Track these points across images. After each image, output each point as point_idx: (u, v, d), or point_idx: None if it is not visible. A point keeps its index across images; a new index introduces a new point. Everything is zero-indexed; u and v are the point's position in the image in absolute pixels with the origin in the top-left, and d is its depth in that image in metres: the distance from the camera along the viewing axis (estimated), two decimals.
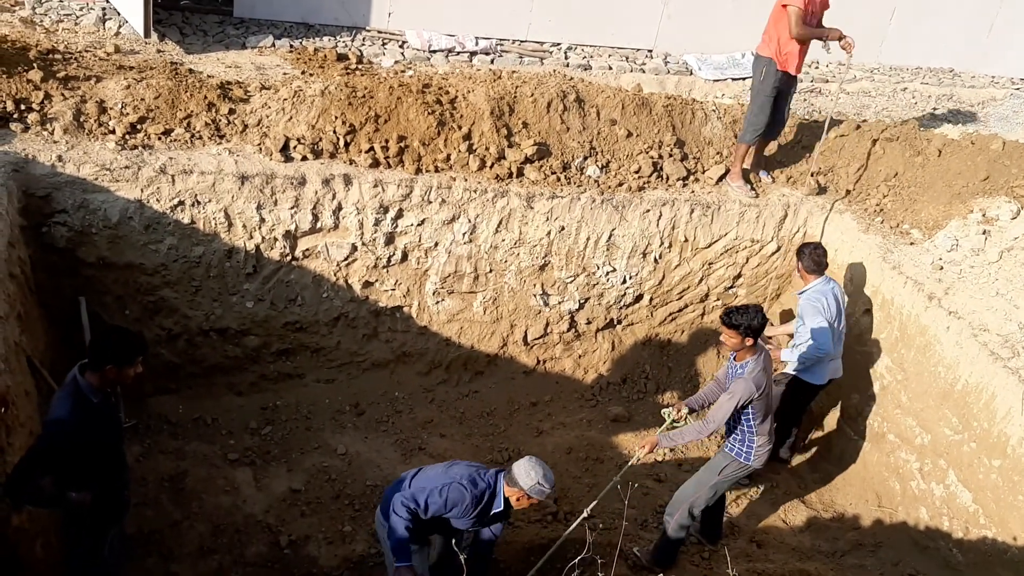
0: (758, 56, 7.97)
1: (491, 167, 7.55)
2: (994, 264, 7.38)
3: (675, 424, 6.27)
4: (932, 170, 8.52)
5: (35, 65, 6.93)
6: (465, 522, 5.22)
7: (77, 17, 8.71)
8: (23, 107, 6.63)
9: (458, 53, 10.18)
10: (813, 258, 7.13)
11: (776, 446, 7.84)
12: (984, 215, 7.75)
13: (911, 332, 7.24)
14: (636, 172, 8.04)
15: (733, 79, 10.87)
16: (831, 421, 7.99)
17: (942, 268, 7.50)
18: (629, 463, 6.18)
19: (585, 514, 5.39)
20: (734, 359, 5.95)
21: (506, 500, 5.22)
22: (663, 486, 7.43)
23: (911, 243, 7.91)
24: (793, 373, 7.21)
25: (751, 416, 5.89)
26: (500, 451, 7.57)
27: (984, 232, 7.59)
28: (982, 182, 8.14)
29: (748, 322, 5.65)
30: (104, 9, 8.87)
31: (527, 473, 5.05)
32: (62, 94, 6.82)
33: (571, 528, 5.69)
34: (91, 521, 4.73)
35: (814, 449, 8.11)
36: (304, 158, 7.07)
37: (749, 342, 5.74)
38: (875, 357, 7.57)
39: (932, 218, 8.04)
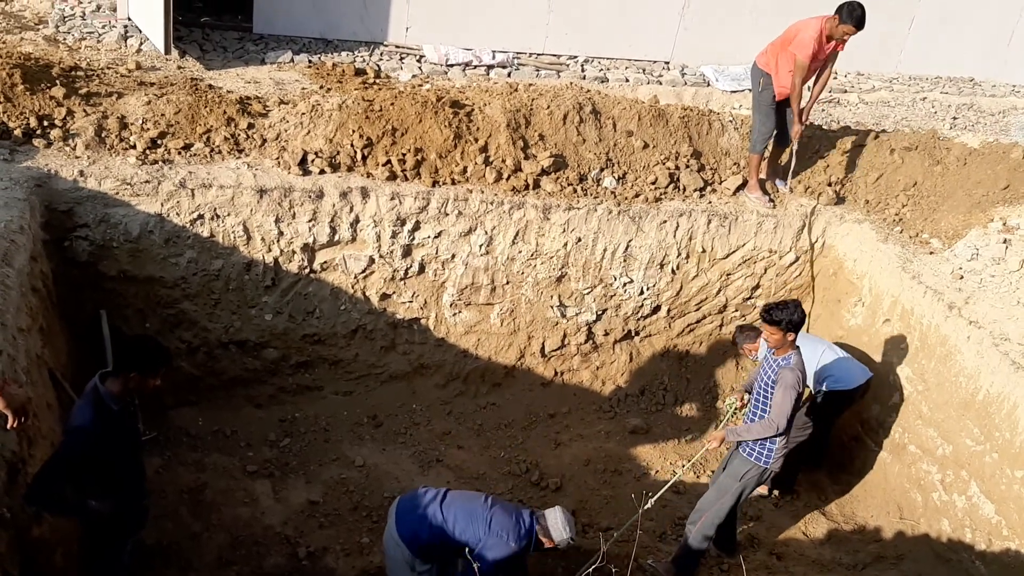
0: (755, 67, 8.03)
1: (507, 179, 7.57)
2: (1015, 273, 7.31)
3: (737, 413, 6.25)
4: (952, 179, 8.46)
5: (58, 82, 7.05)
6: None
7: (99, 35, 8.84)
8: (46, 123, 6.74)
9: (475, 67, 10.24)
10: (745, 332, 7.29)
11: (813, 464, 7.82)
12: (1004, 224, 7.68)
13: (931, 342, 7.18)
14: (653, 183, 8.04)
15: (751, 90, 10.84)
16: (851, 432, 7.91)
17: (962, 277, 7.44)
18: (700, 453, 6.30)
19: (639, 513, 5.57)
20: (773, 355, 5.94)
21: (538, 543, 5.41)
22: (681, 498, 7.39)
23: (930, 252, 7.86)
24: (822, 390, 7.19)
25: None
26: (518, 463, 7.56)
27: (1005, 241, 7.52)
28: (1002, 191, 8.08)
29: (789, 316, 5.70)
30: (126, 27, 9.01)
31: (561, 528, 5.31)
32: (84, 110, 6.92)
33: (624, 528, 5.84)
34: (111, 530, 4.77)
35: (834, 461, 8.03)
36: (322, 171, 7.13)
37: (791, 337, 5.78)
38: (895, 367, 7.50)
39: (952, 227, 7.99)
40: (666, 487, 6.21)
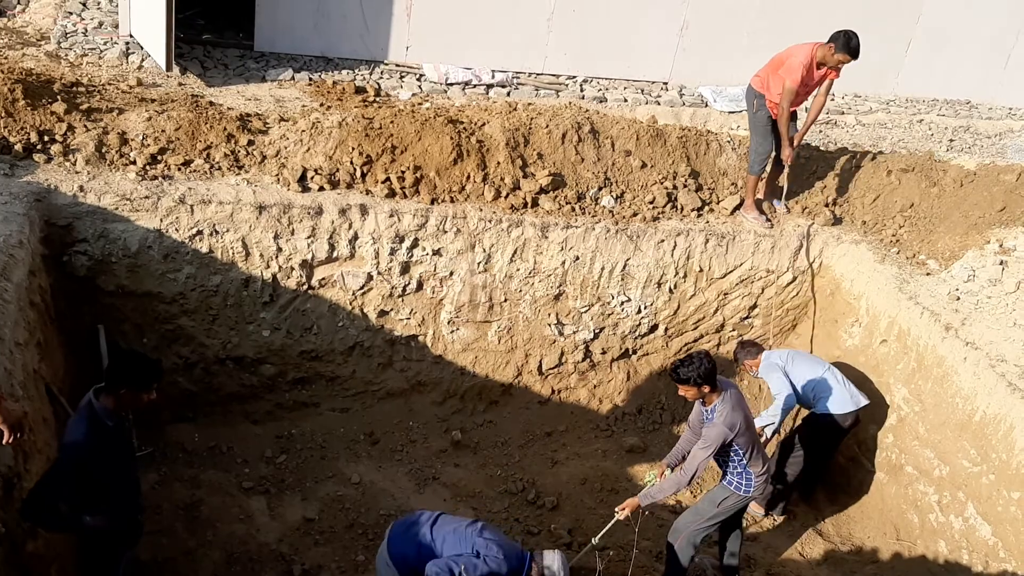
0: (750, 88, 8.07)
1: (506, 197, 7.60)
2: (1011, 295, 7.33)
3: (649, 483, 6.19)
4: (948, 201, 8.50)
5: (59, 97, 7.07)
6: None
7: (101, 51, 8.88)
8: (47, 138, 6.76)
9: (475, 86, 10.29)
10: (746, 348, 7.35)
11: (806, 490, 7.80)
12: (1001, 245, 7.72)
13: (928, 363, 7.19)
14: (650, 202, 8.07)
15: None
16: (848, 453, 7.90)
17: (959, 299, 7.46)
18: (609, 524, 6.11)
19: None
20: (703, 403, 5.86)
21: None
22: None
23: (927, 273, 7.88)
24: (811, 413, 7.22)
25: (740, 453, 5.84)
26: (515, 481, 7.55)
27: (1001, 262, 7.55)
28: (999, 212, 8.12)
29: (695, 373, 5.55)
30: (128, 43, 9.06)
31: (559, 570, 5.26)
32: (85, 126, 6.94)
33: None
34: (106, 545, 4.75)
35: (831, 482, 8.02)
36: (321, 188, 7.15)
37: (707, 389, 5.64)
38: (892, 388, 7.51)
39: (949, 248, 8.02)
40: (581, 553, 6.17)
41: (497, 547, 5.20)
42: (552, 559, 5.31)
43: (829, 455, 7.65)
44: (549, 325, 8.02)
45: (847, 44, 7.51)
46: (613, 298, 8.07)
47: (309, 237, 7.04)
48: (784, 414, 7.02)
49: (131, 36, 9.17)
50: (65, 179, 6.50)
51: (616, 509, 6.01)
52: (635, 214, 7.95)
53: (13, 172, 6.44)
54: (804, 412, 7.46)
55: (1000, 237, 7.80)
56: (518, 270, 7.69)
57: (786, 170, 8.34)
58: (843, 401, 7.10)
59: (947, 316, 7.25)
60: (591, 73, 11.14)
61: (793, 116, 8.08)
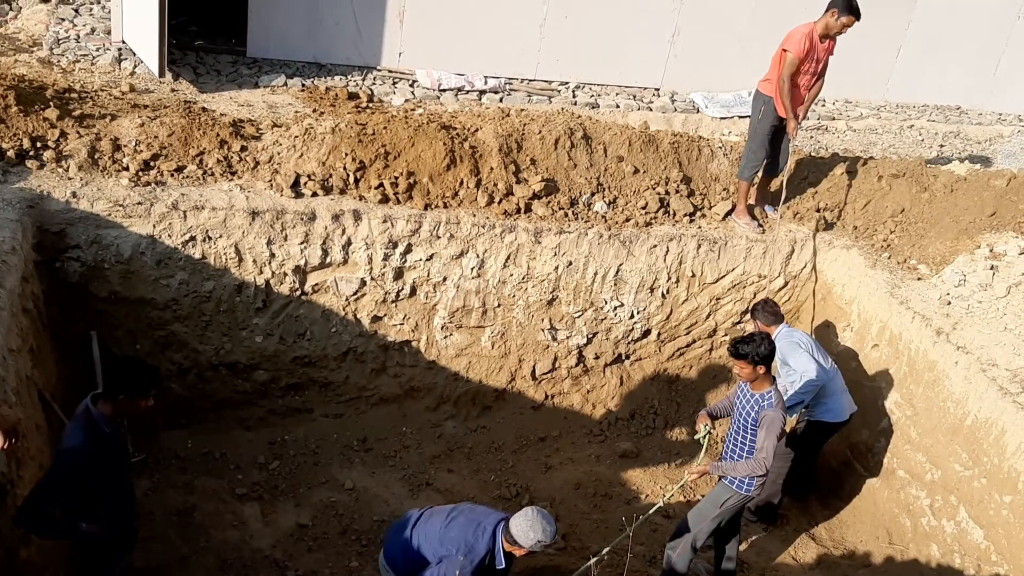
0: (758, 93, 8.05)
1: (499, 203, 7.61)
2: (1002, 299, 7.38)
3: (711, 443, 6.27)
4: (939, 206, 8.54)
5: (51, 104, 7.06)
6: None
7: (93, 57, 8.88)
8: (39, 144, 6.75)
9: (467, 92, 10.31)
10: (767, 311, 7.19)
11: (800, 494, 7.82)
12: (991, 250, 7.76)
13: (919, 367, 7.22)
14: (643, 208, 8.10)
15: (740, 117, 10.97)
16: (840, 457, 7.93)
17: (950, 303, 7.50)
18: (679, 484, 6.42)
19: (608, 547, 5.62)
20: (749, 387, 5.93)
21: (508, 554, 5.13)
22: (672, 522, 7.37)
23: (918, 278, 7.92)
24: (807, 419, 7.23)
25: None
26: (508, 486, 7.55)
27: (992, 267, 7.59)
28: (989, 217, 8.16)
29: (755, 350, 5.69)
30: (120, 49, 9.05)
31: (526, 534, 4.95)
32: (77, 132, 6.93)
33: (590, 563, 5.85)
34: (101, 552, 4.74)
35: (824, 486, 8.04)
36: (314, 194, 7.15)
37: (762, 370, 5.76)
38: (884, 392, 7.55)
39: (939, 253, 8.06)
40: (650, 512, 6.29)
41: (462, 532, 5.12)
42: (517, 524, 4.98)
43: (816, 456, 7.68)
44: (542, 330, 8.03)
45: (848, 5, 7.42)
46: (606, 303, 8.08)
47: (302, 243, 7.04)
48: (808, 396, 6.99)
49: (123, 42, 9.16)
50: (58, 185, 6.49)
51: (688, 470, 6.27)
52: (628, 219, 7.97)
53: (6, 178, 6.42)
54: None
55: (991, 242, 7.85)
56: (511, 275, 7.71)
57: (787, 167, 8.32)
58: (839, 410, 7.14)
59: (938, 321, 7.29)
60: (583, 79, 11.18)
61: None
